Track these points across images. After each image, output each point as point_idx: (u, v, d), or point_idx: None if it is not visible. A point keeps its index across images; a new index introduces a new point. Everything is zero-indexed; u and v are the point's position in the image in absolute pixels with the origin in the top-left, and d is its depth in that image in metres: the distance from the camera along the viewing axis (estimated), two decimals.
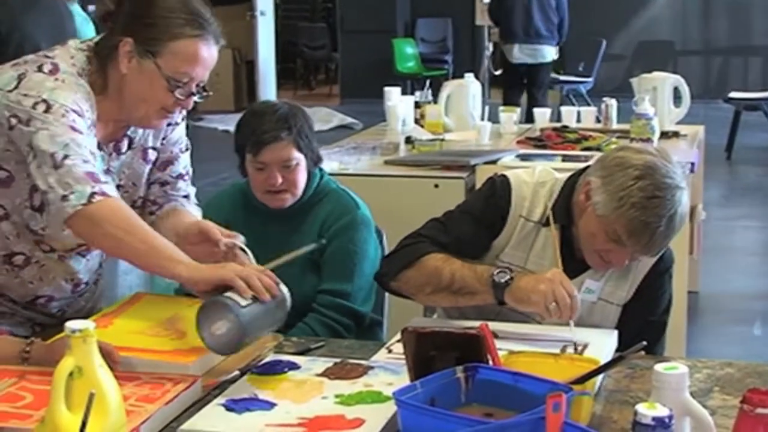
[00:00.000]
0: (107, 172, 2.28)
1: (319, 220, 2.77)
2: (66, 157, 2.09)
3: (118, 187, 2.30)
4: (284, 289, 2.08)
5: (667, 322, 2.54)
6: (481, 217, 2.47)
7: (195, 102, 2.27)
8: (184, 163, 2.50)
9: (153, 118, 2.27)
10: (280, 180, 2.71)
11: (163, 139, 2.44)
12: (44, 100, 2.12)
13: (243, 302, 1.99)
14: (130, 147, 2.38)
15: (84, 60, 2.23)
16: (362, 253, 2.75)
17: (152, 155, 2.42)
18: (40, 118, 2.11)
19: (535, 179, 2.49)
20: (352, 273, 2.73)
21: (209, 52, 2.22)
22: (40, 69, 2.17)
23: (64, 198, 2.08)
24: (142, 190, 2.44)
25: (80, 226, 2.11)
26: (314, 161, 2.79)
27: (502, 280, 2.27)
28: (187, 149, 2.51)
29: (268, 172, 2.71)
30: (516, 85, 9.73)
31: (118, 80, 2.23)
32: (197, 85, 2.24)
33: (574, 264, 2.41)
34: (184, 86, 2.22)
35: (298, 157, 2.73)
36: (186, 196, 2.49)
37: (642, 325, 2.40)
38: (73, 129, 2.13)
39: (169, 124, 2.42)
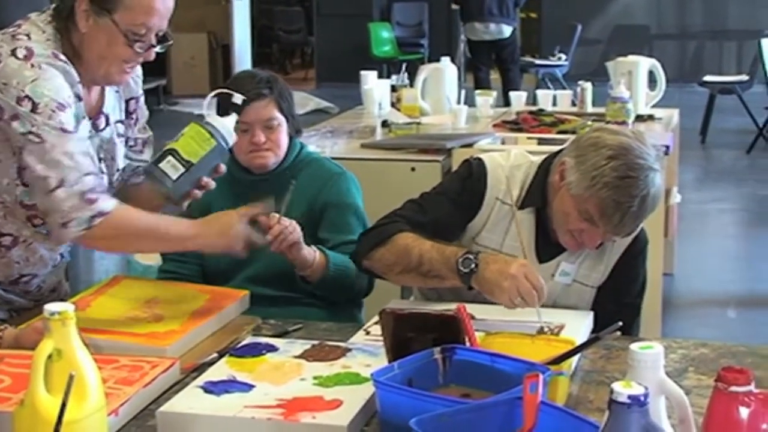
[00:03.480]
0: None
1: (304, 185, 2.78)
2: (60, 183, 2.13)
3: (99, 160, 2.31)
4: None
5: (641, 303, 2.55)
6: (457, 198, 2.48)
7: (157, 54, 2.29)
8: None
9: (115, 74, 2.29)
10: (263, 138, 2.75)
11: (132, 113, 2.51)
12: (28, 97, 2.13)
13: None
14: (107, 124, 2.39)
15: (53, 32, 2.24)
16: (355, 205, 2.83)
17: (121, 129, 2.46)
18: (28, 119, 2.13)
19: (511, 162, 2.50)
20: (354, 224, 2.80)
21: (163, 2, 2.23)
22: (14, 54, 2.16)
23: (64, 225, 2.16)
24: (120, 162, 2.46)
25: (86, 244, 2.28)
26: (295, 128, 2.85)
27: (467, 269, 2.26)
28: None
29: (251, 132, 2.75)
30: (480, 63, 10.21)
31: (80, 40, 2.25)
32: (156, 35, 2.25)
33: (549, 247, 2.42)
34: (142, 38, 2.23)
35: (280, 118, 2.78)
36: None
37: (617, 307, 2.41)
38: (63, 131, 2.15)
39: (132, 99, 2.47)
